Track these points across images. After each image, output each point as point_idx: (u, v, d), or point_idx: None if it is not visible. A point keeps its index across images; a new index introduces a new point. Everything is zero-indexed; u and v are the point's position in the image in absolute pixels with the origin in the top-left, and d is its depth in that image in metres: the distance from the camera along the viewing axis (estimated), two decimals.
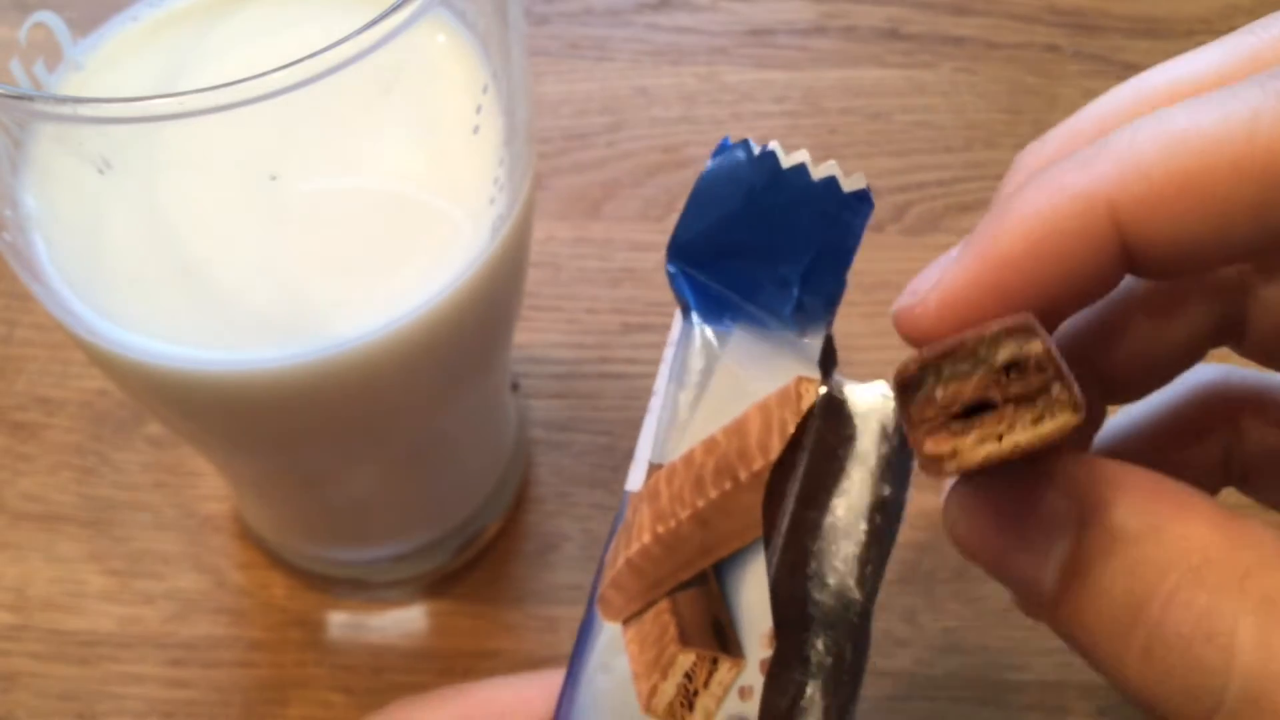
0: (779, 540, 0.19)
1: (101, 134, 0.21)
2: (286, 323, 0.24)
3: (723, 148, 0.20)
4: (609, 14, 0.49)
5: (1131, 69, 0.47)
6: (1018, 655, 0.36)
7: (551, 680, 0.21)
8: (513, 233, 0.26)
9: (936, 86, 0.47)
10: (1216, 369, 0.24)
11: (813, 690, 0.18)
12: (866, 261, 0.43)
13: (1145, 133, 0.17)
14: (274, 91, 0.20)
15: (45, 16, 0.25)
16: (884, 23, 0.49)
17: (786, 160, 0.20)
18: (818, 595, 0.19)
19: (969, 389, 0.16)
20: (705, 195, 0.20)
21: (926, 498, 0.39)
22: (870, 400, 0.19)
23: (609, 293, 0.42)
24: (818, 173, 0.19)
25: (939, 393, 0.16)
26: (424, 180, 0.26)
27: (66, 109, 0.20)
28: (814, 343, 0.19)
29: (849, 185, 0.19)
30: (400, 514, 0.36)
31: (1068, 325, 0.21)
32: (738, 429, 0.19)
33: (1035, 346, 0.15)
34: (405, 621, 0.36)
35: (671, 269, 0.20)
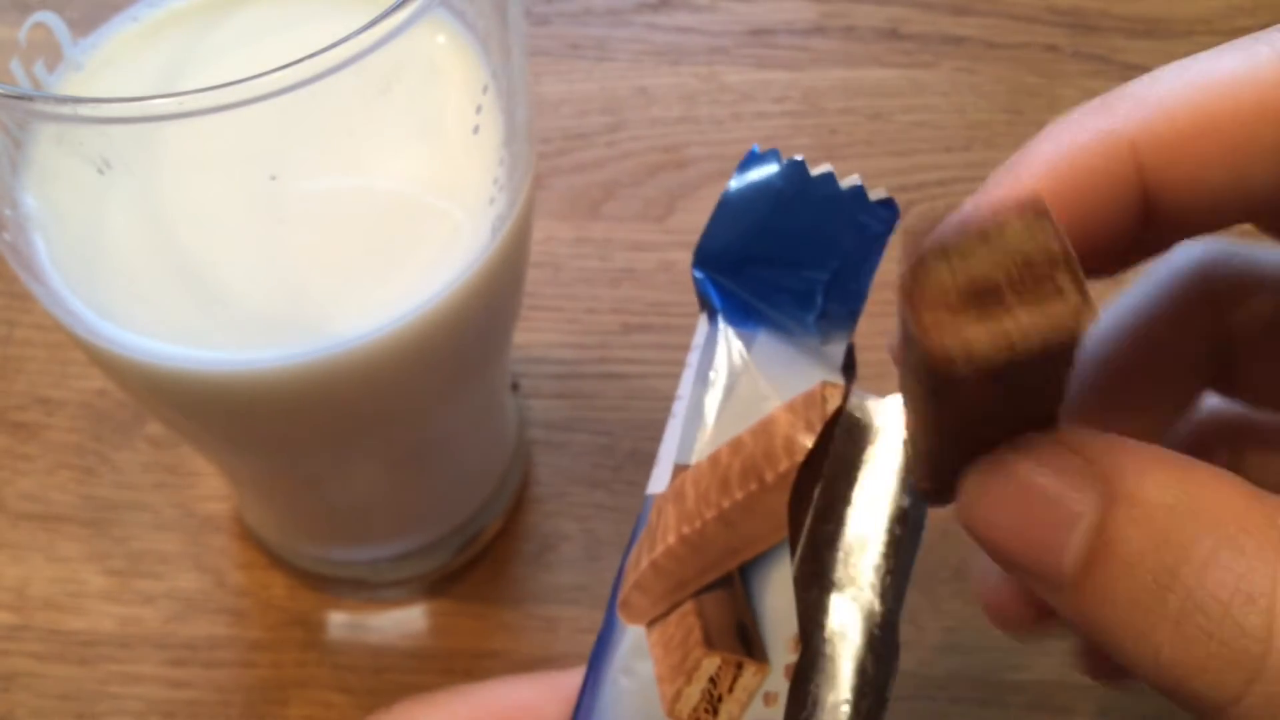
0: (798, 550, 0.19)
1: (101, 134, 0.21)
2: (286, 323, 0.24)
3: (751, 156, 0.20)
4: (609, 14, 0.49)
5: (1131, 69, 0.47)
6: (1018, 655, 0.35)
7: (560, 681, 0.21)
8: (513, 233, 0.26)
9: (936, 86, 0.47)
10: (1198, 248, 0.22)
11: (834, 700, 0.18)
12: None
13: (1169, 77, 0.16)
14: (274, 91, 0.20)
15: (45, 16, 0.25)
16: (884, 23, 0.49)
17: (814, 169, 0.20)
18: (837, 606, 0.19)
19: (978, 268, 0.14)
20: (734, 202, 0.20)
21: None
22: (888, 413, 0.19)
23: (609, 293, 0.42)
24: (845, 182, 0.20)
25: (947, 278, 0.14)
26: (424, 180, 0.26)
27: (66, 109, 0.20)
28: (836, 350, 0.19)
29: (875, 194, 0.19)
30: (400, 514, 0.36)
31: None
32: (764, 430, 0.19)
33: (1045, 228, 0.14)
34: (405, 621, 0.36)
35: (698, 274, 0.20)
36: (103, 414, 0.39)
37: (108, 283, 0.25)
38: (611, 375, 0.40)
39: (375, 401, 0.27)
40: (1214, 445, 0.23)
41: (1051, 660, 0.35)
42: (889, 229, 0.20)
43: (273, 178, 0.24)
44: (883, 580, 0.18)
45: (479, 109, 0.26)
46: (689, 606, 0.19)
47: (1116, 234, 0.17)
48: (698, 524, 0.19)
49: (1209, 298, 0.22)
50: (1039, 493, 0.16)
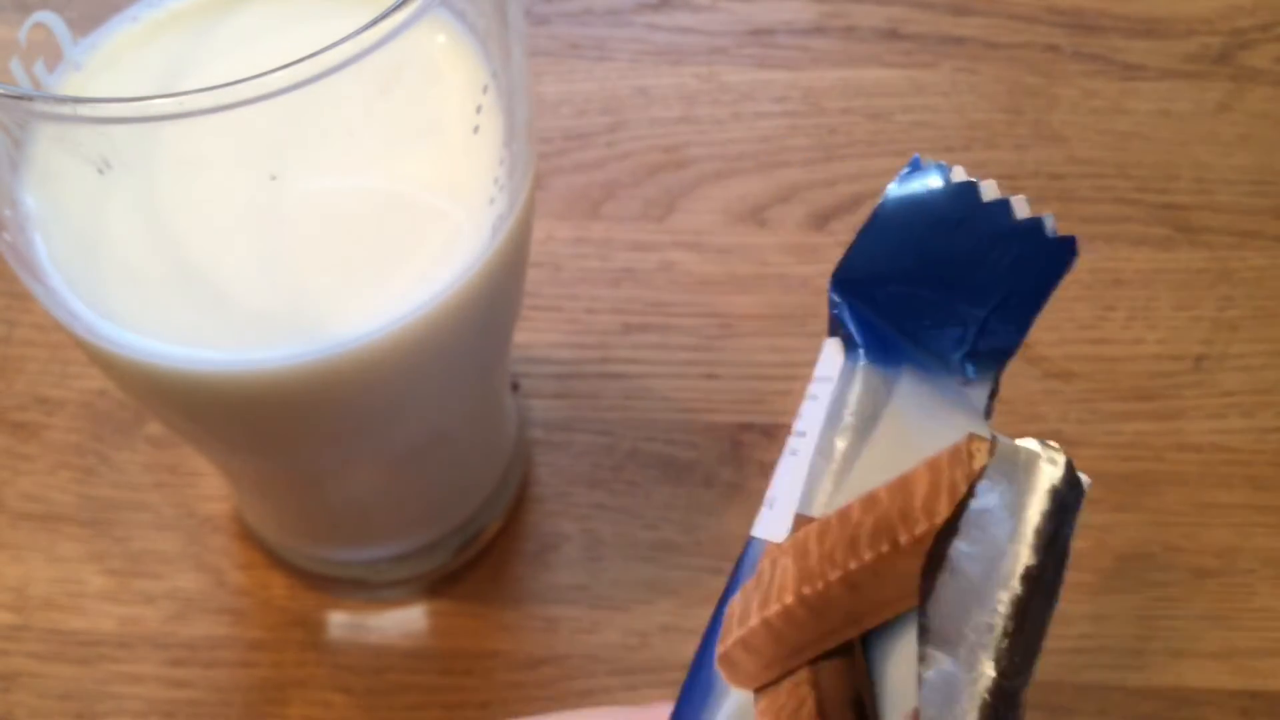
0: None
1: (101, 134, 0.21)
2: (286, 323, 0.24)
3: (913, 167, 0.18)
4: (609, 14, 0.49)
5: (1132, 69, 0.47)
6: None
7: (643, 717, 0.20)
8: (513, 233, 0.26)
9: (936, 86, 0.47)
10: None
11: None
12: None
13: None
14: (274, 91, 0.19)
15: (45, 16, 0.25)
16: (884, 23, 0.49)
17: (987, 193, 0.18)
18: (934, 660, 0.17)
19: None
20: (888, 220, 0.18)
21: None
22: (1021, 458, 0.17)
23: (609, 293, 0.42)
24: (1020, 211, 0.18)
25: None
26: (424, 180, 0.26)
27: (66, 109, 0.20)
28: (980, 394, 0.18)
29: (1052, 229, 0.18)
30: (400, 514, 0.36)
31: None
32: (903, 486, 0.17)
33: None
34: (405, 621, 0.36)
35: (836, 298, 0.19)
36: (103, 414, 0.39)
37: (108, 283, 0.25)
38: (611, 375, 0.40)
39: (375, 401, 0.27)
40: None
41: (1051, 660, 0.35)
42: (1064, 269, 0.18)
43: (273, 178, 0.24)
44: (998, 643, 0.17)
45: (479, 109, 0.26)
46: (803, 675, 0.17)
47: None
48: (820, 585, 0.17)
49: None
50: None
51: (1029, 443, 0.17)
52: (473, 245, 0.25)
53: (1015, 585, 0.17)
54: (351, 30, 0.20)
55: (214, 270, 0.25)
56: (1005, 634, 0.16)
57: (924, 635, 0.16)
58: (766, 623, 0.17)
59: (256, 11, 0.27)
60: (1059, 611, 0.38)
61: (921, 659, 0.16)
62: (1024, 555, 0.17)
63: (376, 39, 0.20)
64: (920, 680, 0.16)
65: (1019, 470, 0.17)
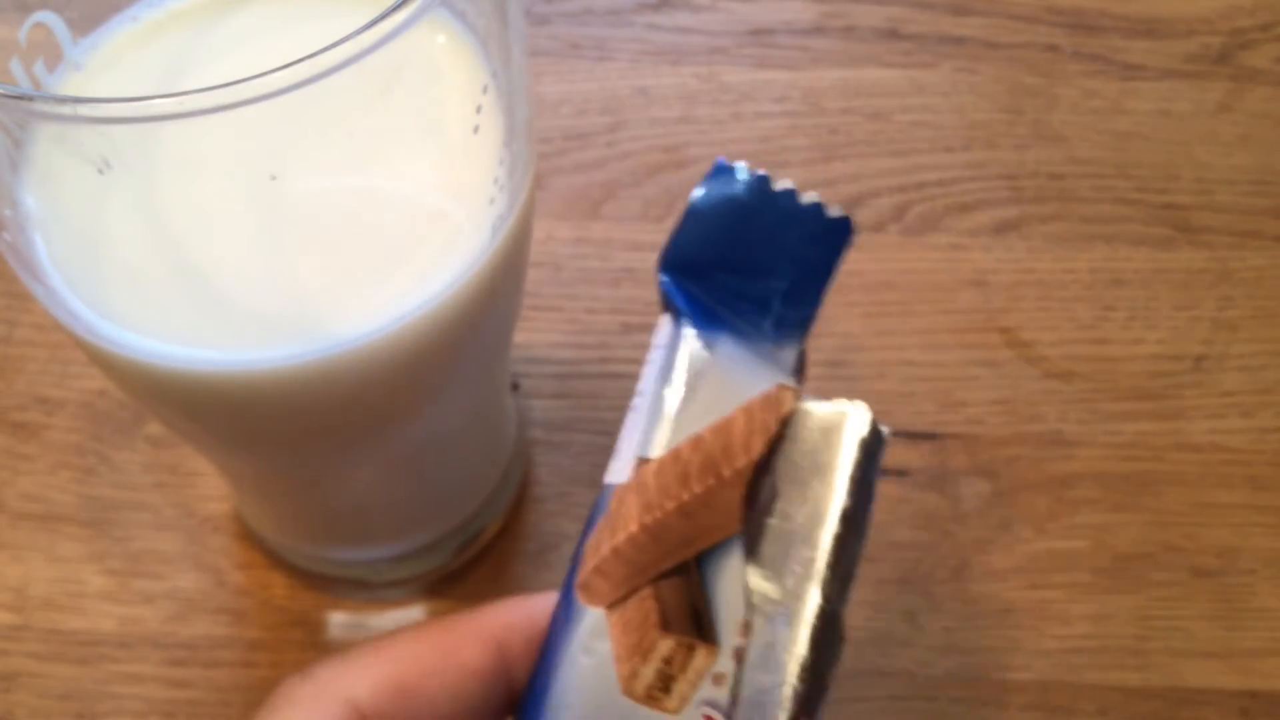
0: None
1: (101, 134, 0.21)
2: (286, 323, 0.24)
3: (719, 168, 0.22)
4: (609, 14, 0.49)
5: (1132, 69, 0.47)
6: (1018, 655, 0.36)
7: (473, 623, 0.22)
8: (513, 233, 0.26)
9: (936, 86, 0.47)
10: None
11: (772, 682, 0.19)
12: (867, 262, 0.44)
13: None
14: (274, 91, 0.19)
15: (45, 16, 0.25)
16: (884, 23, 0.49)
17: (777, 184, 0.21)
18: (771, 596, 0.20)
19: None
20: (701, 211, 0.22)
21: (927, 498, 0.39)
22: (832, 417, 0.20)
23: (609, 293, 0.42)
24: (805, 197, 0.21)
25: None
26: (424, 180, 0.26)
27: (66, 109, 0.20)
28: (789, 355, 0.21)
29: (832, 212, 0.21)
30: (400, 514, 0.36)
31: None
32: (723, 428, 0.20)
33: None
34: (405, 621, 0.36)
35: (665, 278, 0.22)
36: (103, 414, 0.39)
37: (108, 283, 0.25)
38: (611, 375, 0.40)
39: (375, 401, 0.27)
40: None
41: (1051, 660, 0.35)
42: (844, 244, 0.21)
43: (273, 178, 0.24)
44: (822, 573, 0.19)
45: (479, 109, 0.26)
46: (647, 591, 0.20)
47: None
48: (659, 514, 0.20)
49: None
50: None
51: (839, 402, 0.20)
52: (473, 245, 0.25)
53: (834, 524, 0.19)
54: (351, 30, 0.20)
55: (214, 270, 0.25)
56: (828, 565, 0.19)
57: (759, 564, 0.19)
58: (615, 550, 0.20)
59: (256, 11, 0.27)
60: (1059, 611, 0.38)
61: (757, 585, 0.19)
62: (840, 497, 0.19)
63: (376, 39, 0.20)
64: (749, 601, 0.19)
65: (831, 426, 0.20)
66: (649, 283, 0.42)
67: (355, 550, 0.37)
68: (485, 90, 0.26)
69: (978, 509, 0.38)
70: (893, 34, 0.48)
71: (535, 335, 0.41)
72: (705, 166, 0.45)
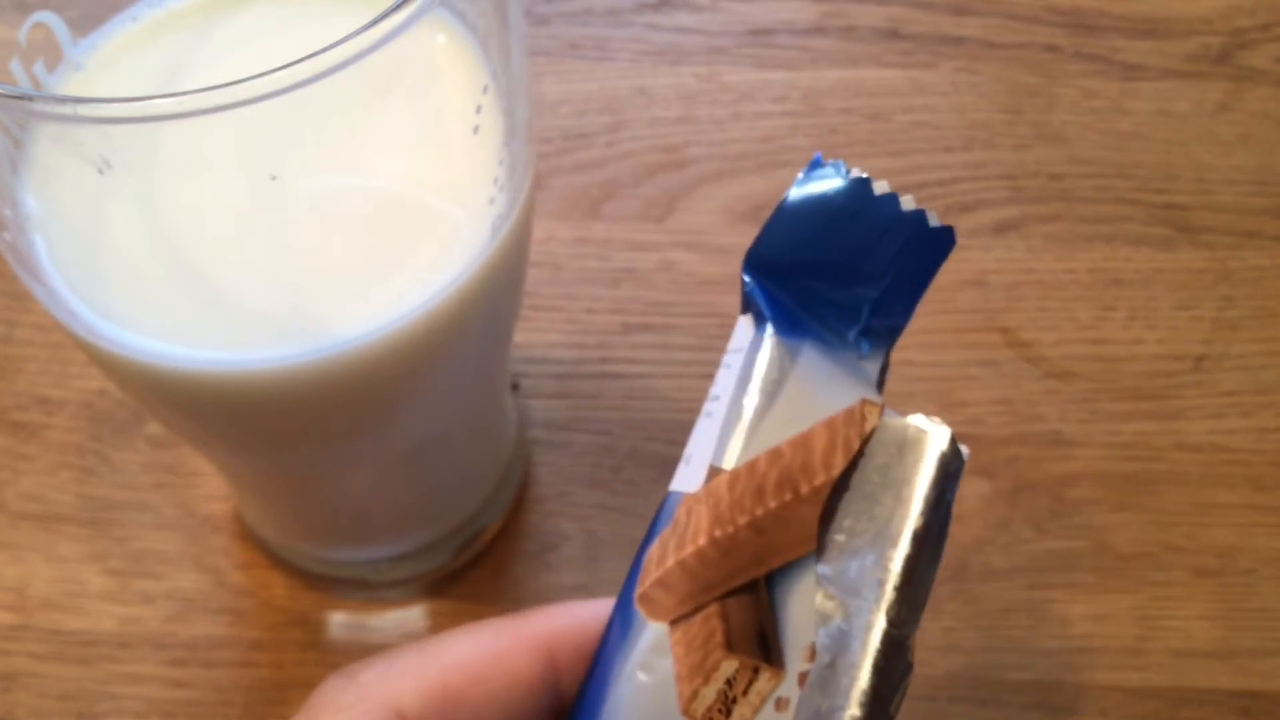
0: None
1: (101, 134, 0.21)
2: (286, 323, 0.24)
3: (814, 165, 0.21)
4: (609, 14, 0.49)
5: (1132, 69, 0.47)
6: (1018, 655, 0.36)
7: (524, 628, 0.21)
8: (513, 233, 0.26)
9: (936, 86, 0.47)
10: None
11: (829, 706, 0.18)
12: None
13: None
14: (274, 91, 0.19)
15: (45, 16, 0.25)
16: (884, 23, 0.49)
17: (879, 189, 0.20)
18: (833, 616, 0.19)
19: None
20: (792, 211, 0.21)
21: None
22: (911, 433, 0.19)
23: (609, 293, 0.42)
24: (906, 204, 0.20)
25: None
26: (424, 180, 0.26)
27: (66, 109, 0.20)
28: (873, 367, 0.20)
29: (935, 221, 0.20)
30: (400, 514, 0.36)
31: None
32: (803, 443, 0.19)
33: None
34: (405, 621, 0.36)
35: (748, 279, 0.21)
36: (103, 414, 0.39)
37: (108, 283, 0.25)
38: (611, 375, 0.40)
39: (375, 401, 0.27)
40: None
41: (1051, 660, 0.35)
42: (944, 255, 0.20)
43: (273, 178, 0.24)
44: (889, 596, 0.18)
45: (479, 109, 0.26)
46: (714, 609, 0.19)
47: None
48: (730, 529, 0.19)
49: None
50: None
51: (918, 418, 0.19)
52: (473, 245, 0.25)
53: (905, 544, 0.18)
54: (351, 30, 0.20)
55: (214, 270, 0.25)
56: (896, 588, 0.18)
57: (823, 582, 0.18)
58: (682, 563, 0.19)
59: (256, 11, 0.27)
60: (1059, 611, 0.38)
61: (820, 605, 0.18)
62: (914, 517, 0.18)
63: (376, 39, 0.20)
64: (818, 621, 0.18)
65: (909, 442, 0.19)
66: (649, 283, 0.42)
67: (355, 550, 0.37)
68: (485, 90, 0.26)
69: (978, 509, 0.38)
70: (893, 34, 0.48)
71: (535, 335, 0.41)
72: (705, 166, 0.45)
